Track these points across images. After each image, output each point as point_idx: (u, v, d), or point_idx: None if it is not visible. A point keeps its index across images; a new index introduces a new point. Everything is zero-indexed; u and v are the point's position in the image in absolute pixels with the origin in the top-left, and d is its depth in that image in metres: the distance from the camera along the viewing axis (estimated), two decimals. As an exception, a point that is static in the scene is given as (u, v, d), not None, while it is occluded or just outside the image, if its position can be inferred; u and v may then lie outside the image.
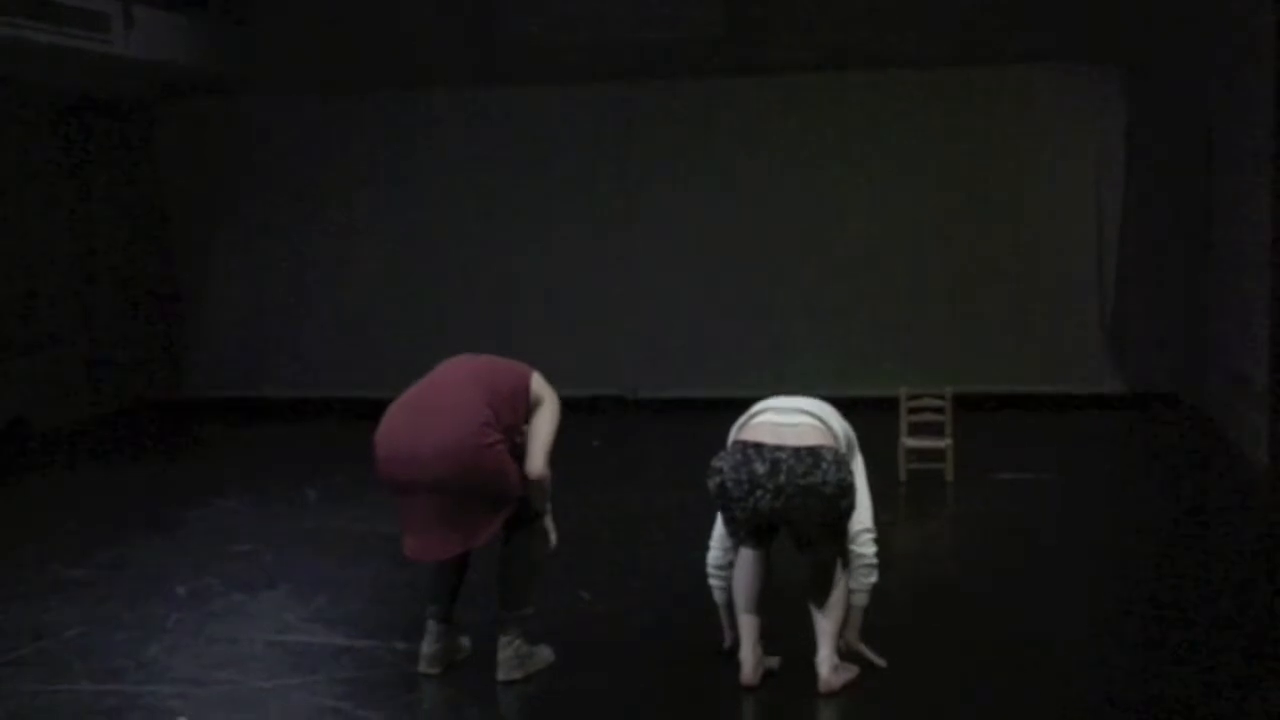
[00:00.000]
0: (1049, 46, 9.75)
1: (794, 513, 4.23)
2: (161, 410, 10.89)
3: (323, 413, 10.42)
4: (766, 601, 4.49)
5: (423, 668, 4.67)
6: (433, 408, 4.39)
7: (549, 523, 4.66)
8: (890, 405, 7.48)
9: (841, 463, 4.24)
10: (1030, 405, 9.80)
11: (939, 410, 7.49)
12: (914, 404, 7.55)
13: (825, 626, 4.40)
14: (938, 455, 7.47)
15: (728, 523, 4.43)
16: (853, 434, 4.56)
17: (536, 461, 4.52)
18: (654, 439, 9.44)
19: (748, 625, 4.46)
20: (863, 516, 4.47)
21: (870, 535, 4.48)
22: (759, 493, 4.21)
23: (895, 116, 9.93)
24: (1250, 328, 8.02)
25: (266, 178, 10.76)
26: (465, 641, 4.83)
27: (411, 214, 10.50)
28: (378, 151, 10.58)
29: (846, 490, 4.24)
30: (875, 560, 4.49)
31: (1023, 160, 9.89)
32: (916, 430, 7.56)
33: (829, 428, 4.37)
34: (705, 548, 6.03)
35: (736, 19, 10.04)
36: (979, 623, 5.15)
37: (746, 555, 4.49)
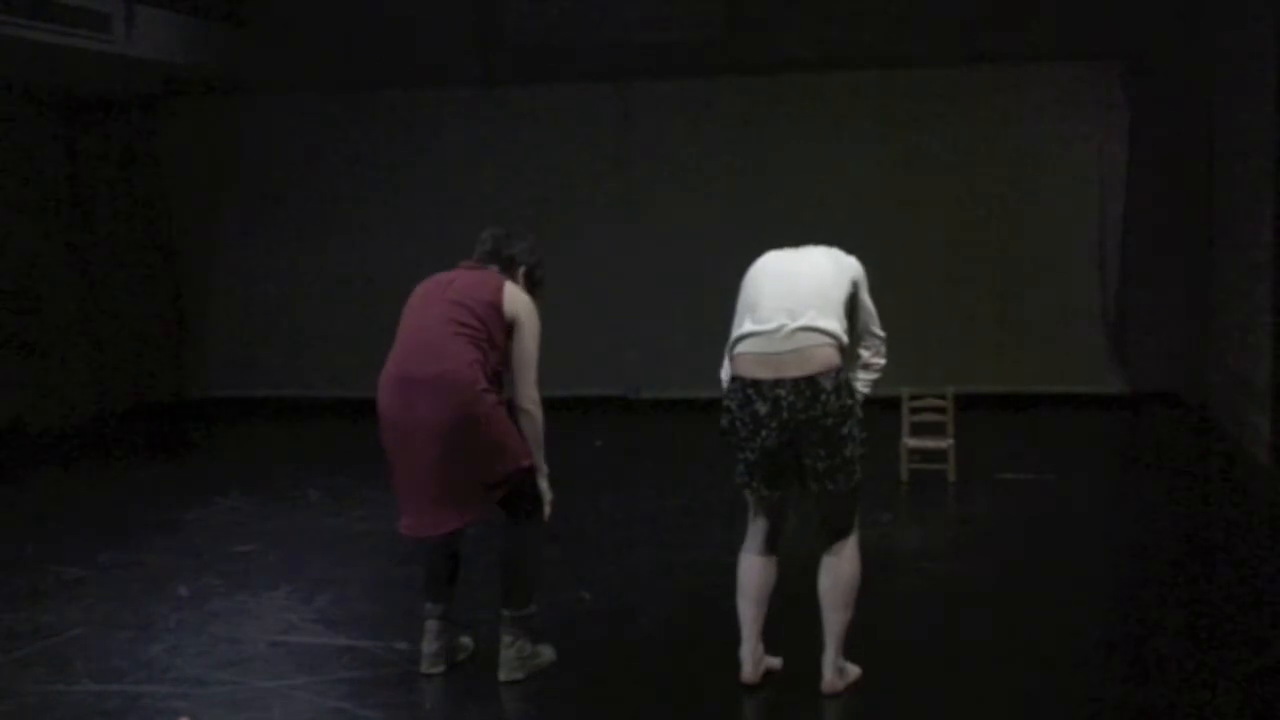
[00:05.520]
0: (1050, 45, 9.75)
1: (799, 444, 4.24)
2: (163, 410, 10.89)
3: (324, 413, 10.42)
4: (770, 599, 4.48)
5: (424, 667, 4.66)
6: (422, 377, 4.34)
7: (544, 484, 4.60)
8: (892, 405, 7.47)
9: (841, 388, 4.22)
10: (1032, 405, 9.79)
11: (941, 410, 7.49)
12: (915, 404, 7.55)
13: (833, 627, 4.39)
14: (940, 455, 7.47)
15: (741, 465, 4.36)
16: (857, 275, 4.47)
17: (525, 392, 4.51)
18: (656, 439, 9.44)
19: (749, 621, 4.46)
20: (874, 329, 4.55)
21: (883, 351, 4.59)
22: (764, 432, 4.23)
23: (896, 116, 9.92)
24: (1252, 327, 8.02)
25: (268, 177, 10.76)
26: (467, 641, 4.82)
27: (412, 213, 10.50)
28: (379, 151, 10.58)
29: (846, 416, 4.23)
30: (883, 365, 4.60)
31: (1024, 160, 9.88)
32: (918, 430, 7.55)
33: (828, 333, 4.24)
34: (707, 547, 6.07)
35: (736, 19, 10.04)
36: (980, 623, 5.14)
37: (751, 549, 4.49)
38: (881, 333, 4.60)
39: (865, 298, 4.52)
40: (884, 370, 4.63)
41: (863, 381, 4.56)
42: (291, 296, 10.81)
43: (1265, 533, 6.48)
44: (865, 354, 4.57)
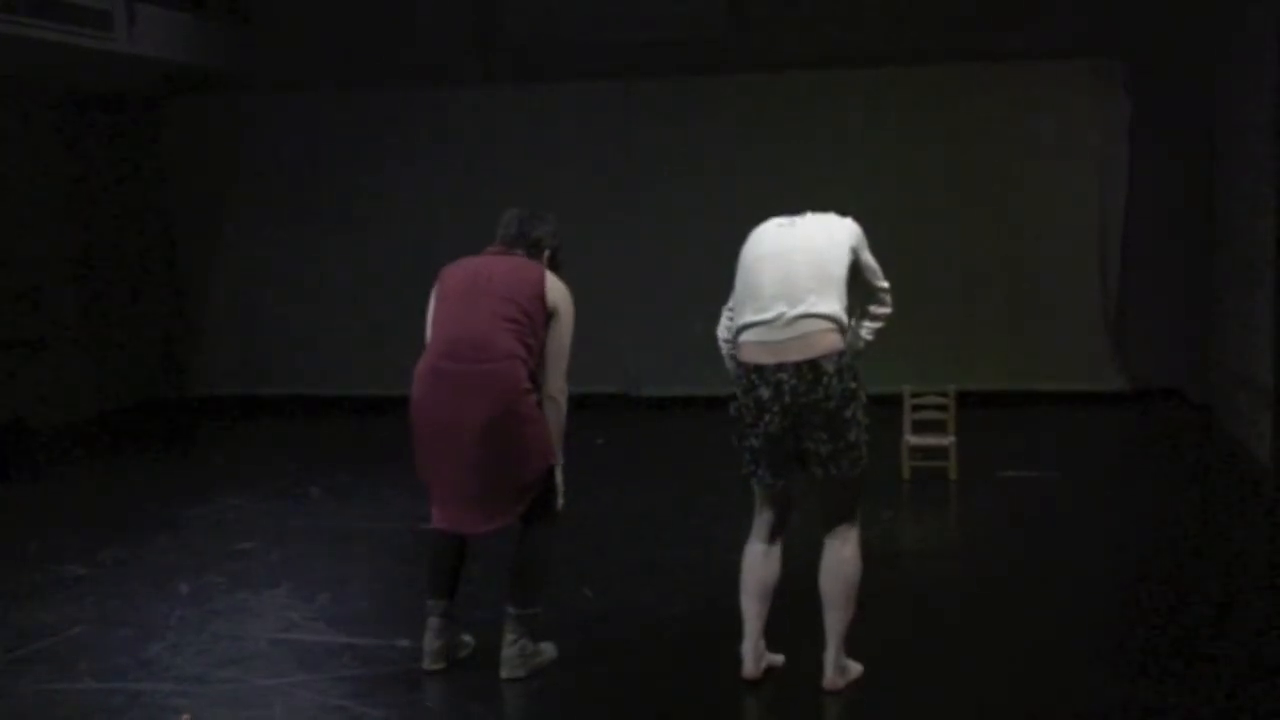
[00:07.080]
0: (1051, 44, 9.75)
1: (802, 428, 4.25)
2: (164, 408, 10.90)
3: (325, 410, 10.42)
4: (772, 594, 4.48)
5: (426, 665, 4.67)
6: (470, 372, 4.34)
7: (560, 477, 4.60)
8: (893, 403, 7.47)
9: (843, 371, 4.23)
10: (1033, 403, 9.79)
11: (942, 408, 7.49)
12: (917, 402, 7.55)
13: (835, 625, 4.39)
14: (941, 453, 7.47)
15: (746, 453, 4.37)
16: (855, 240, 4.52)
17: (555, 381, 4.52)
18: (657, 436, 9.44)
19: (752, 618, 4.46)
20: (878, 283, 4.58)
21: (888, 301, 4.63)
22: (767, 416, 4.25)
23: (897, 114, 9.93)
24: (1253, 324, 8.02)
25: (269, 175, 10.77)
26: (468, 638, 4.82)
27: (413, 211, 10.51)
28: (379, 150, 10.58)
29: (849, 400, 4.25)
30: (887, 314, 4.65)
31: (1025, 157, 9.88)
32: (920, 428, 7.55)
33: (828, 317, 4.26)
34: (707, 545, 6.08)
35: (737, 17, 10.04)
36: (980, 622, 5.15)
37: (755, 539, 4.49)
38: (885, 283, 4.62)
39: (866, 257, 4.55)
40: (888, 319, 4.64)
41: (867, 329, 4.62)
42: (292, 294, 10.81)
43: (1265, 532, 6.49)
44: (871, 307, 4.62)
